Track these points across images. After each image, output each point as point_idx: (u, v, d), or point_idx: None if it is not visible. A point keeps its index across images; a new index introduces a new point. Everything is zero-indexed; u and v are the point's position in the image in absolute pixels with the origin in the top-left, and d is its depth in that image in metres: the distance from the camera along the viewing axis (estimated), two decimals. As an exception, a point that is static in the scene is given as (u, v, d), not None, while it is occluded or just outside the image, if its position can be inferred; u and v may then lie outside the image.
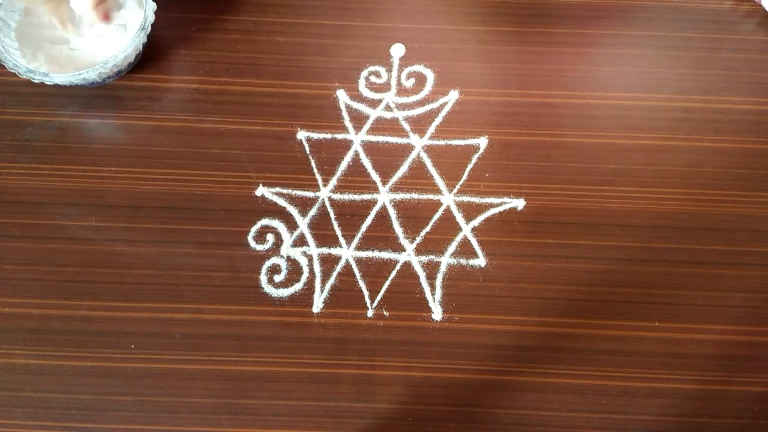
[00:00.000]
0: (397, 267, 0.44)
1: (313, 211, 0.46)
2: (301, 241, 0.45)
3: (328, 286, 0.44)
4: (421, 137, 0.47)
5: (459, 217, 0.45)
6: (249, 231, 0.45)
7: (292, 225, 0.45)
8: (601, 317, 0.43)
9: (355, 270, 0.44)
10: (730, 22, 0.51)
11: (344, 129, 0.48)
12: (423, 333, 0.43)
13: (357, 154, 0.47)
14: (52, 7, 0.46)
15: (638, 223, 0.45)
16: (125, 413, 0.41)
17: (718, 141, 0.48)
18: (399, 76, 0.49)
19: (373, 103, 0.48)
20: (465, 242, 0.45)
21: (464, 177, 0.46)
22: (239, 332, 0.43)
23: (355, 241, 0.45)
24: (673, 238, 0.45)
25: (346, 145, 0.47)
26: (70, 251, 0.44)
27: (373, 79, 0.49)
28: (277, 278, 0.44)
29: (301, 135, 0.48)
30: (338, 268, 0.44)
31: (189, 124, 0.47)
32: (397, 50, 0.50)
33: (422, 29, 0.51)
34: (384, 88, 0.49)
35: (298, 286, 0.44)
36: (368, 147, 0.47)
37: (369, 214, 0.45)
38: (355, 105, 0.48)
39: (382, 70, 0.49)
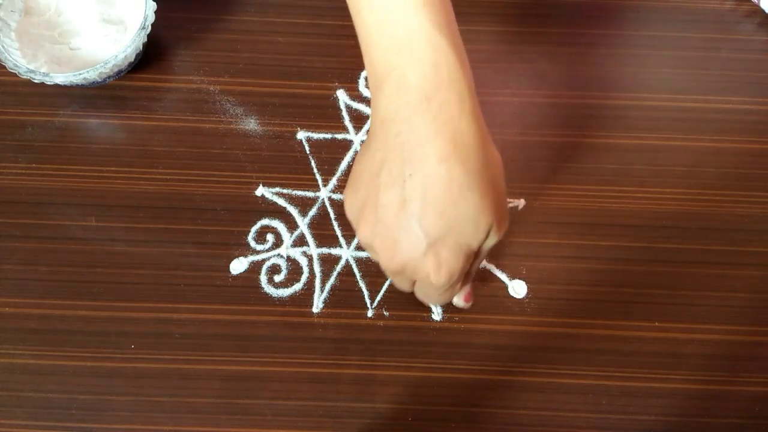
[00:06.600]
0: (397, 267, 0.44)
1: (313, 211, 0.46)
2: (301, 241, 0.45)
3: (328, 286, 0.44)
4: (421, 137, 0.47)
5: (459, 217, 0.45)
6: (249, 231, 0.45)
7: (292, 225, 0.45)
8: (601, 317, 0.43)
9: (355, 270, 0.44)
10: (730, 22, 0.51)
11: (344, 129, 0.48)
12: (423, 333, 0.43)
13: (357, 154, 0.47)
14: None
15: (638, 223, 0.45)
16: (125, 413, 0.41)
17: (718, 141, 0.48)
18: (399, 76, 0.49)
19: (373, 103, 0.48)
20: (465, 242, 0.45)
21: (464, 177, 0.46)
22: (239, 332, 0.43)
23: (355, 241, 0.45)
24: (673, 238, 0.45)
25: (346, 145, 0.47)
26: (70, 251, 0.44)
27: (373, 79, 0.49)
28: (277, 278, 0.44)
29: (301, 135, 0.48)
30: (338, 268, 0.44)
31: (189, 124, 0.47)
32: (397, 50, 0.50)
33: (422, 29, 0.51)
34: (384, 88, 0.49)
35: (298, 286, 0.44)
36: (368, 147, 0.47)
37: (369, 214, 0.45)
38: (355, 105, 0.48)
39: (382, 70, 0.49)
